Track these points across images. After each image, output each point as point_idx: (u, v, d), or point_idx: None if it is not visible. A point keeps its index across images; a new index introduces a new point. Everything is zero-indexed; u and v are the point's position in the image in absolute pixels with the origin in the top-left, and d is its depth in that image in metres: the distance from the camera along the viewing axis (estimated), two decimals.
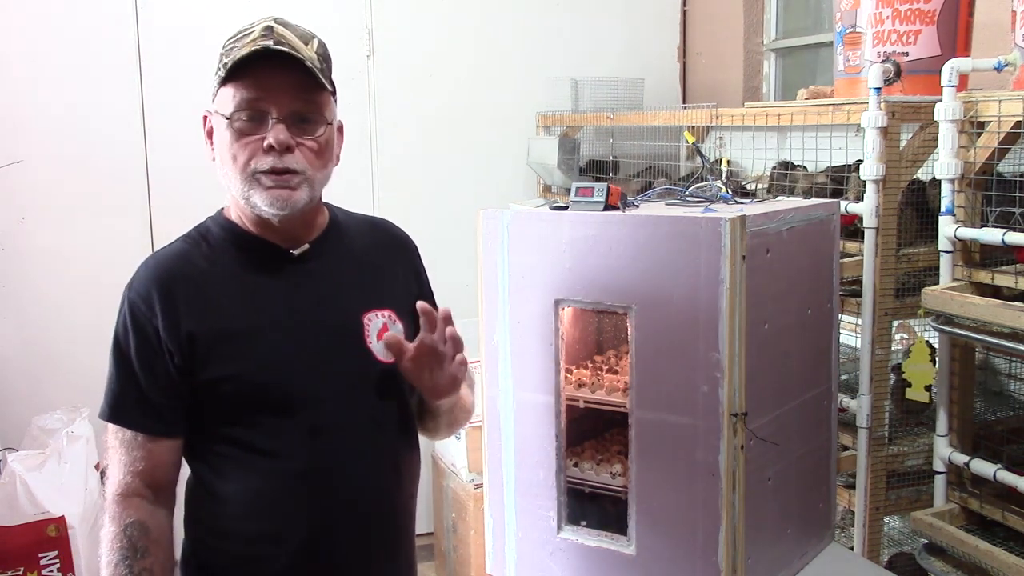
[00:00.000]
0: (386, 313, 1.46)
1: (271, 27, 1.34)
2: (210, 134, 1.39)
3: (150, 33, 3.37)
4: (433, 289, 1.65)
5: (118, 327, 1.37)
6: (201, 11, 3.39)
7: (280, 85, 1.32)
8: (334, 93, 1.41)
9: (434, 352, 1.40)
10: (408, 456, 1.51)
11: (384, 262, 1.53)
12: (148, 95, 3.36)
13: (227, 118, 1.32)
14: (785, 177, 2.50)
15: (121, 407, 1.36)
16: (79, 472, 2.87)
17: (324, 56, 1.39)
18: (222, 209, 1.46)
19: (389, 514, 1.48)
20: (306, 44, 1.35)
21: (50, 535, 2.76)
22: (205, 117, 1.40)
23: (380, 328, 1.44)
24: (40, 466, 2.82)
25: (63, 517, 2.78)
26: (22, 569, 2.75)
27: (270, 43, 1.31)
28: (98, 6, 3.31)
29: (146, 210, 3.38)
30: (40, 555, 2.76)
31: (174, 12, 3.38)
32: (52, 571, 2.78)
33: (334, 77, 1.42)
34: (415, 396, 1.53)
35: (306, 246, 1.43)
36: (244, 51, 1.30)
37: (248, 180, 1.32)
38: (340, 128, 1.45)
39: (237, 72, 1.30)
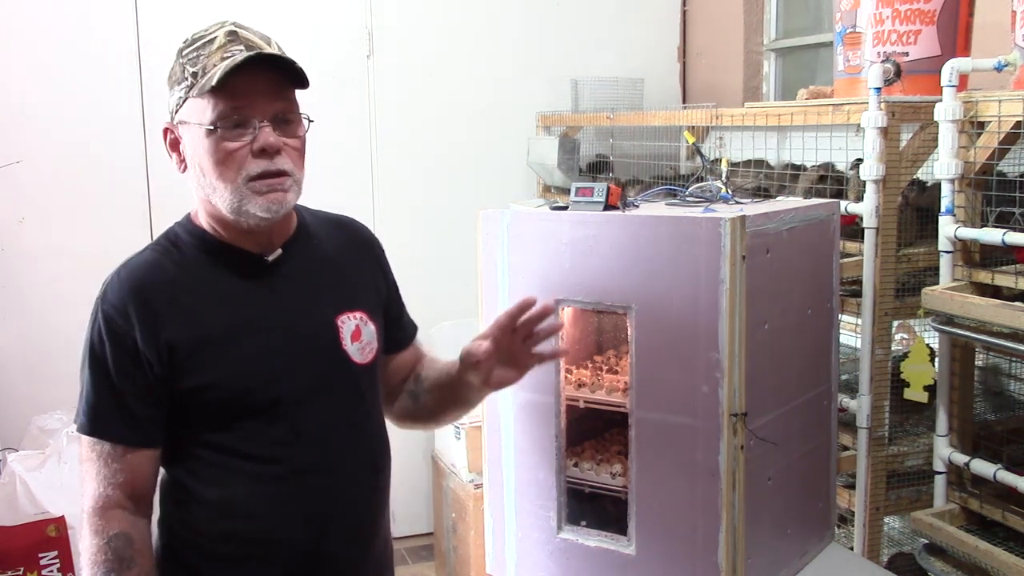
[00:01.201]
0: (358, 315, 1.47)
1: (235, 32, 1.33)
2: (174, 146, 1.37)
3: (150, 33, 3.37)
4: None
5: (93, 339, 1.36)
6: (201, 12, 3.38)
7: (259, 89, 1.31)
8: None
9: (508, 350, 1.47)
10: (384, 454, 1.53)
11: (353, 263, 1.53)
12: (148, 95, 3.36)
13: (210, 129, 1.30)
14: (753, 174, 2.55)
15: (100, 419, 1.35)
16: (79, 472, 2.87)
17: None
18: (189, 215, 1.44)
19: (367, 512, 1.49)
20: (268, 45, 1.35)
21: (50, 535, 2.76)
22: (167, 130, 1.37)
23: (353, 330, 1.45)
24: (40, 466, 2.82)
25: (63, 517, 2.78)
26: (22, 569, 2.75)
27: (241, 47, 1.30)
28: (98, 6, 3.32)
29: (146, 210, 3.38)
30: (40, 555, 2.76)
31: (174, 12, 3.38)
32: (52, 571, 2.78)
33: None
34: (418, 386, 1.61)
35: (279, 251, 1.42)
36: (225, 61, 1.28)
37: (240, 190, 1.31)
38: None
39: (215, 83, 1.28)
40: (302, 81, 1.34)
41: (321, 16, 3.57)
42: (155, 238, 1.44)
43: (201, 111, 1.31)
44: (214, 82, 1.27)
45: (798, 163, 2.55)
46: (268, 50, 1.32)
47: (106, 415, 1.35)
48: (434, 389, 1.61)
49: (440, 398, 1.61)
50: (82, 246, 3.30)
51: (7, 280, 3.29)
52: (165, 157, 1.41)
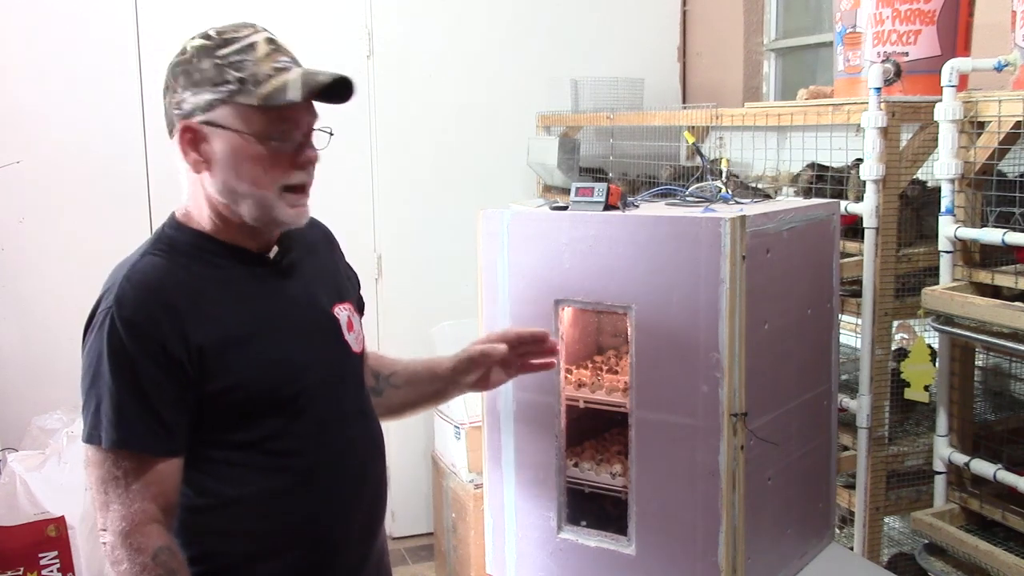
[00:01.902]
0: (347, 306, 1.51)
1: (274, 40, 1.34)
2: (193, 145, 1.33)
3: (150, 32, 3.37)
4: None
5: (113, 349, 1.30)
6: (202, 11, 3.39)
7: (304, 103, 1.32)
8: None
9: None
10: (383, 438, 1.56)
11: (327, 256, 1.56)
12: (148, 95, 3.36)
13: (258, 138, 1.30)
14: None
15: (130, 431, 1.30)
16: (79, 472, 2.87)
17: None
18: (176, 217, 1.42)
19: (382, 494, 1.53)
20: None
21: (50, 535, 2.76)
22: (188, 128, 1.32)
23: (346, 321, 1.48)
24: (40, 466, 2.82)
25: (63, 517, 2.78)
26: (22, 569, 2.75)
27: (288, 60, 1.32)
28: (98, 6, 3.32)
29: (146, 210, 3.37)
30: (40, 555, 2.76)
31: (174, 12, 3.38)
32: (52, 571, 2.78)
33: None
34: (380, 383, 1.66)
35: (275, 248, 1.43)
36: (289, 76, 1.28)
37: (271, 198, 1.33)
38: None
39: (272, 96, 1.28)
40: (341, 100, 1.34)
41: (321, 16, 3.57)
42: (146, 243, 1.41)
43: (246, 118, 1.29)
44: (299, 98, 1.27)
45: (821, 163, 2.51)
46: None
47: (136, 426, 1.30)
48: (407, 386, 1.67)
49: (417, 394, 1.67)
50: (82, 246, 3.29)
51: (7, 280, 3.29)
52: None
